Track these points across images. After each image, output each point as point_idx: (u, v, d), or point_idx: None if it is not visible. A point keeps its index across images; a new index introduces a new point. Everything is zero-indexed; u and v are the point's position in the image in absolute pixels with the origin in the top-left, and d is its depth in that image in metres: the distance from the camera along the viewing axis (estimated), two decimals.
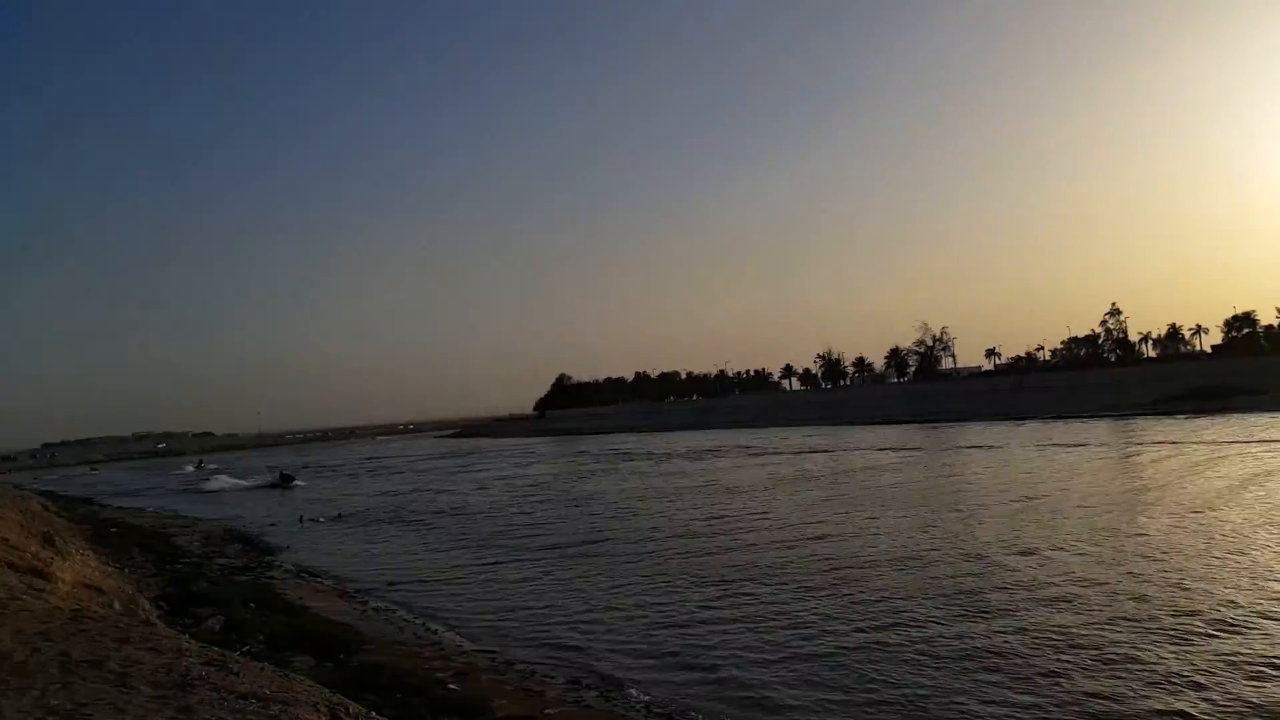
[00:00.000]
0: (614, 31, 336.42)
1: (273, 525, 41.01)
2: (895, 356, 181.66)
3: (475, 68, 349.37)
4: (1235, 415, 63.62)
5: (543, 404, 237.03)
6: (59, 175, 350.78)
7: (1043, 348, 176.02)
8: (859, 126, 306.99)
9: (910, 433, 77.48)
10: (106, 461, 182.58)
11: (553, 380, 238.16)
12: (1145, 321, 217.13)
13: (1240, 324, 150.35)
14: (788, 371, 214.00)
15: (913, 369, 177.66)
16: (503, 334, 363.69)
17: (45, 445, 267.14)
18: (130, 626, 12.26)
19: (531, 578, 23.88)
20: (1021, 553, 21.48)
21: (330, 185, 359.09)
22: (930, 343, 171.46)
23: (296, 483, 67.24)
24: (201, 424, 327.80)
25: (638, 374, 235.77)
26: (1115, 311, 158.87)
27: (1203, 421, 60.07)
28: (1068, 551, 21.27)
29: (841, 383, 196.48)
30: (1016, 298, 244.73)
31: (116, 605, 15.45)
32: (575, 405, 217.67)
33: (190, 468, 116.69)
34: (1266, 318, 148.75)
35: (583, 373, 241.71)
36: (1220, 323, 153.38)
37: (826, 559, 22.84)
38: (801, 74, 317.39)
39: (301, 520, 41.69)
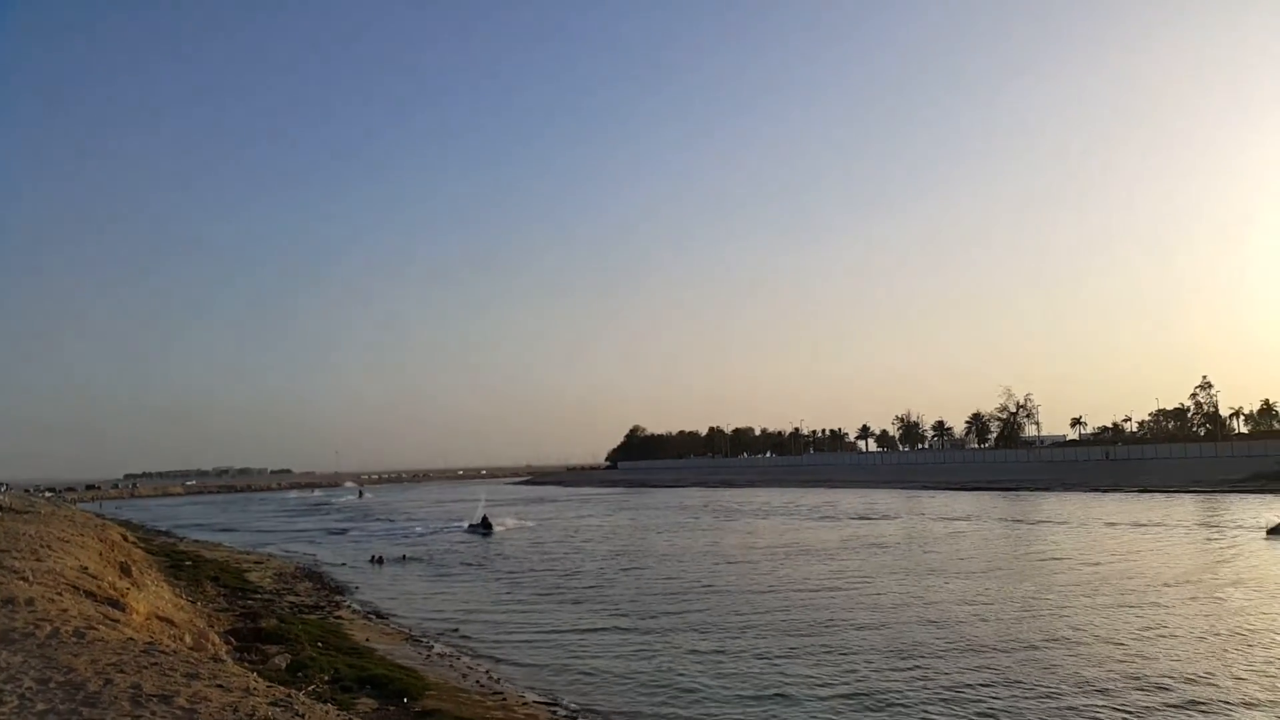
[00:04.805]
0: (701, 92, 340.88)
1: (342, 564, 41.50)
2: (976, 422, 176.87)
3: (562, 109, 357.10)
4: None
5: (615, 455, 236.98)
6: (163, 205, 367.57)
7: (1130, 419, 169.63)
8: (948, 192, 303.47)
9: (989, 500, 75.12)
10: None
11: (625, 432, 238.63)
12: (1237, 396, 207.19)
13: None
14: (864, 432, 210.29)
15: (994, 435, 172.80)
16: (573, 384, 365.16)
17: (128, 476, 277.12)
18: (200, 662, 12.38)
19: (598, 632, 23.53)
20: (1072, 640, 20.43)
21: (412, 235, 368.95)
22: (1013, 409, 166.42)
23: (497, 528, 59.15)
24: (275, 461, 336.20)
25: (711, 429, 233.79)
26: (1206, 385, 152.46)
27: None
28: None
29: (919, 446, 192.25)
30: (1105, 367, 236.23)
31: (187, 639, 15.69)
32: (647, 457, 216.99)
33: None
34: None
35: (656, 425, 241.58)
36: None
37: (896, 634, 22.05)
38: (889, 140, 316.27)
39: (373, 560, 42.13)
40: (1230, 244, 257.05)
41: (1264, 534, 41.85)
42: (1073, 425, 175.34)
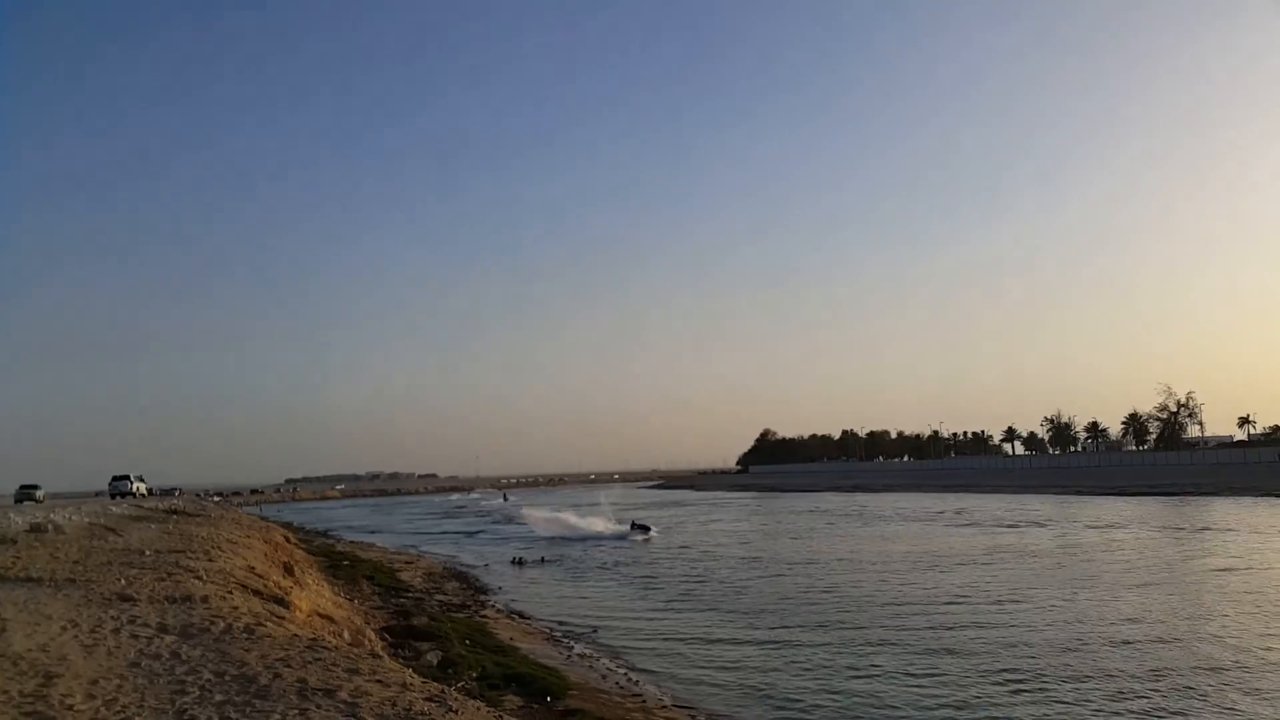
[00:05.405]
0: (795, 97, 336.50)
1: (486, 565, 42.80)
2: (1134, 422, 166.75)
3: (662, 118, 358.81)
4: None
5: (746, 459, 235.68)
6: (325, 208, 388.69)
7: None
8: (1099, 179, 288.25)
9: (1149, 507, 70.62)
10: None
11: (756, 435, 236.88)
12: None
13: None
14: (1010, 434, 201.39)
15: (1153, 437, 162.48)
16: (705, 386, 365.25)
17: (289, 480, 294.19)
18: (359, 657, 13.00)
19: (736, 638, 23.44)
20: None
21: (550, 230, 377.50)
22: (1174, 408, 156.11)
23: (652, 533, 58.10)
24: (422, 465, 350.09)
25: (844, 431, 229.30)
26: None
27: None
28: None
29: (1071, 449, 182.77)
30: (1275, 361, 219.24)
31: (346, 635, 16.50)
32: (778, 461, 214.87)
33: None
34: None
35: (787, 429, 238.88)
36: None
37: (1048, 649, 21.03)
38: (1029, 132, 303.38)
39: (514, 562, 43.31)
40: None
41: None
42: (1240, 425, 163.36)
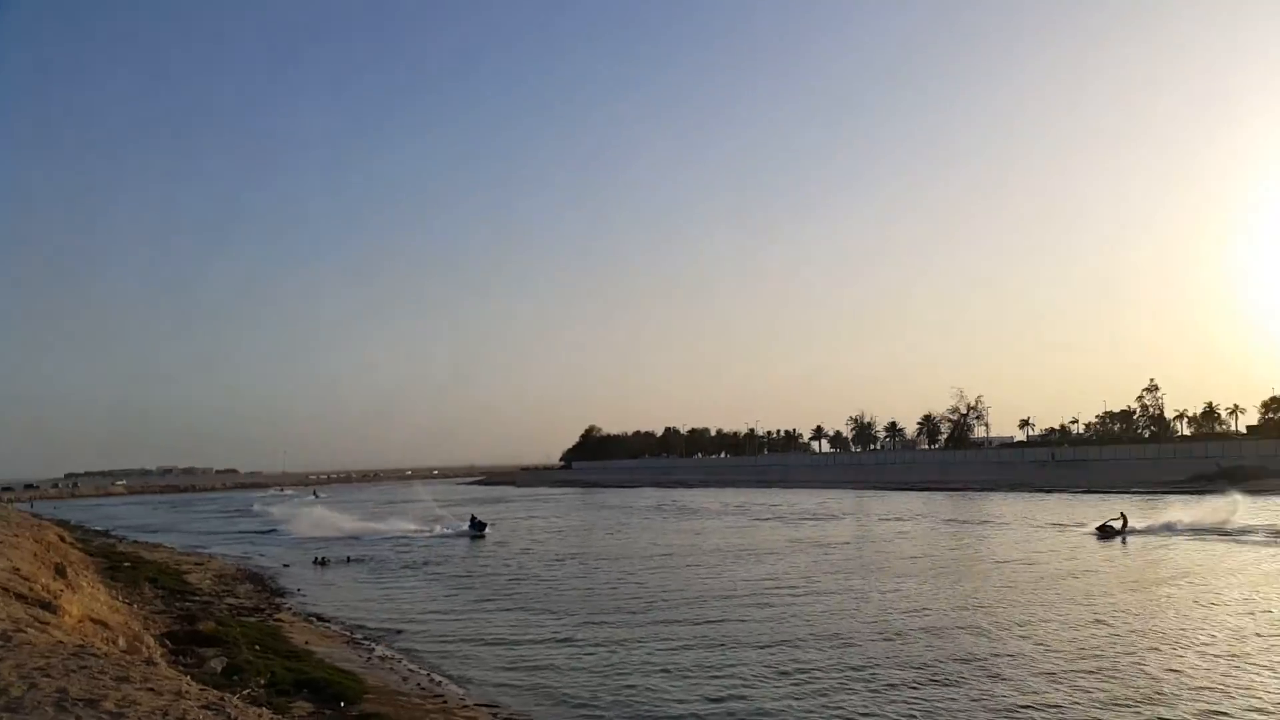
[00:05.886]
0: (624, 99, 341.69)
1: (286, 566, 41.06)
2: (928, 423, 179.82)
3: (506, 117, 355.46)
4: (1267, 498, 62.63)
5: (570, 455, 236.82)
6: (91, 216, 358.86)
7: (1077, 420, 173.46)
8: (902, 191, 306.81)
9: (937, 501, 76.45)
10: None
11: (581, 431, 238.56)
12: (1183, 399, 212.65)
13: (1278, 405, 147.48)
14: (818, 433, 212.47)
15: (945, 436, 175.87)
16: (528, 383, 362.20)
17: (69, 475, 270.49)
18: (131, 665, 12.27)
19: (543, 636, 23.58)
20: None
21: (349, 230, 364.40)
22: (964, 411, 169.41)
23: (488, 530, 55.64)
24: (220, 460, 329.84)
25: (667, 429, 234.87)
26: (1153, 388, 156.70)
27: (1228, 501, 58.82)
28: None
29: (872, 447, 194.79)
30: (1053, 370, 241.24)
31: (121, 642, 15.51)
32: (603, 458, 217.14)
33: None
34: None
35: (612, 426, 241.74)
36: (1259, 404, 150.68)
37: (841, 638, 22.46)
38: (847, 140, 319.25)
39: (316, 562, 41.74)
40: (1178, 246, 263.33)
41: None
42: (1021, 426, 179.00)
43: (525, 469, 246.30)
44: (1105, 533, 43.32)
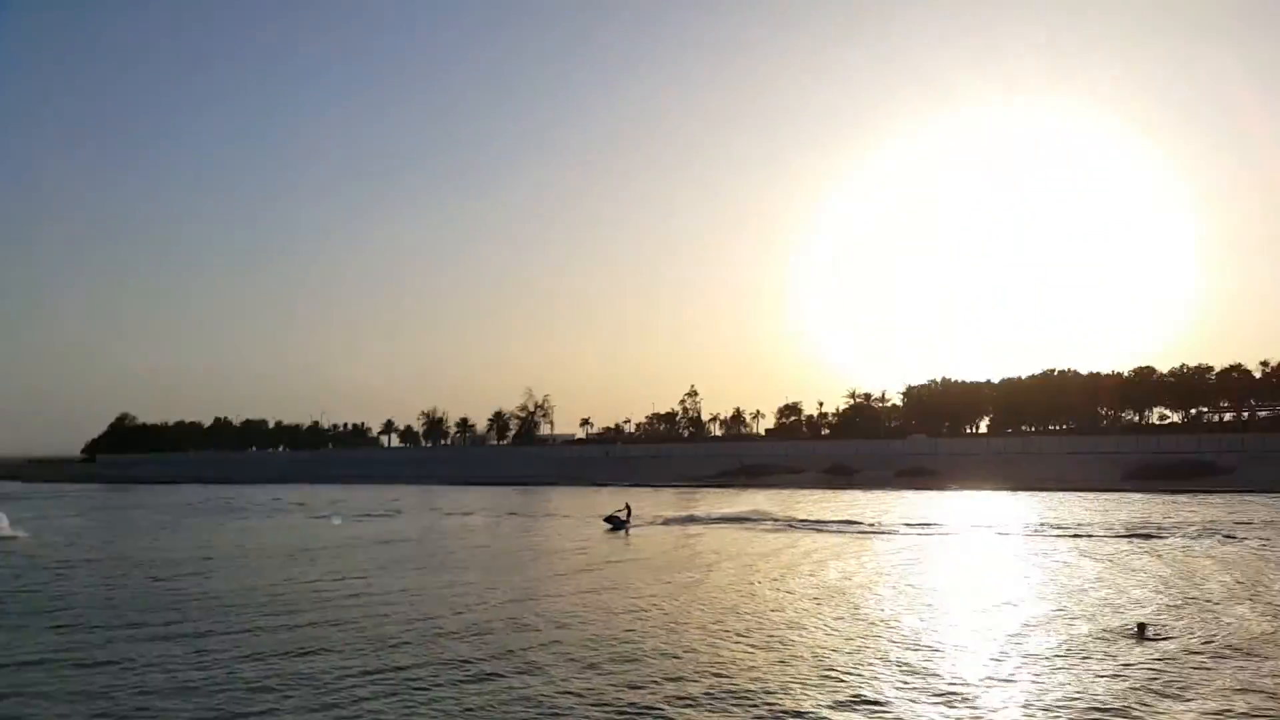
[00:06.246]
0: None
1: None
2: (499, 419, 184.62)
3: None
4: (777, 490, 72.73)
5: (95, 446, 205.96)
6: None
7: (629, 420, 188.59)
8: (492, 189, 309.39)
9: (503, 495, 77.87)
10: None
11: (111, 420, 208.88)
12: (717, 404, 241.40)
13: (789, 412, 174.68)
14: (388, 427, 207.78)
15: (514, 433, 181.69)
16: (42, 366, 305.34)
17: None
18: None
19: (50, 658, 18.69)
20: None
21: None
22: (532, 409, 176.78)
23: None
24: None
25: (217, 419, 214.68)
26: (693, 393, 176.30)
27: (748, 493, 67.23)
28: None
29: (443, 442, 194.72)
30: (612, 372, 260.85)
31: None
32: (138, 450, 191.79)
33: None
34: (809, 408, 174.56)
35: (150, 415, 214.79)
36: (775, 409, 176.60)
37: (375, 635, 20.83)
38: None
39: None
40: (734, 272, 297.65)
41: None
42: (581, 425, 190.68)
43: (34, 461, 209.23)
44: (613, 523, 46.25)
